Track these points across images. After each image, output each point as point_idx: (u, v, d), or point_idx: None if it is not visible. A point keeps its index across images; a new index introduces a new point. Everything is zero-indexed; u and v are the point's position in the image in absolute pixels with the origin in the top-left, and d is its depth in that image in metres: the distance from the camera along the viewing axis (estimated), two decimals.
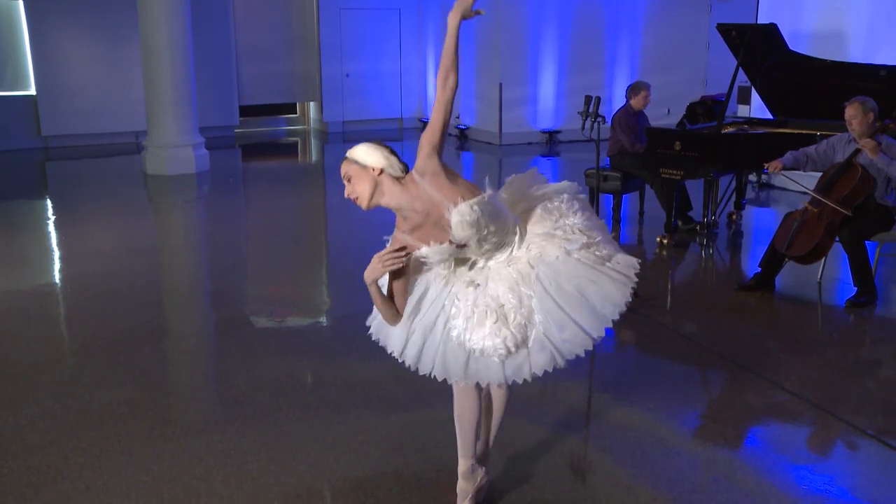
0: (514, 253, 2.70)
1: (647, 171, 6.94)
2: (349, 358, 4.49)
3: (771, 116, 7.37)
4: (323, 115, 14.79)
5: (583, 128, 6.19)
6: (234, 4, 13.75)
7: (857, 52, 8.04)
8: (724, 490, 3.15)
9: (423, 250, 2.63)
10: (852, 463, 3.54)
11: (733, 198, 7.62)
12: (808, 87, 6.84)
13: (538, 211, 2.76)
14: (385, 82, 15.03)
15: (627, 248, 2.91)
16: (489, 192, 2.60)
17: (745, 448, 3.60)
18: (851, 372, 4.44)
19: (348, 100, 14.74)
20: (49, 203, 9.41)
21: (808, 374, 4.38)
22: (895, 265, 6.10)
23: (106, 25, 12.66)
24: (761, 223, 7.98)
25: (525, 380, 2.63)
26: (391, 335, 2.81)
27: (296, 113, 15.77)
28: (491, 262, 2.71)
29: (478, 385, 2.76)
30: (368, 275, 2.65)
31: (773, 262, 5.49)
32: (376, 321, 2.90)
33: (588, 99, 6.24)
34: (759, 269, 5.56)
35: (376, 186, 2.60)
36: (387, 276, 2.73)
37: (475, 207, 2.53)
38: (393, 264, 2.62)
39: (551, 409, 3.84)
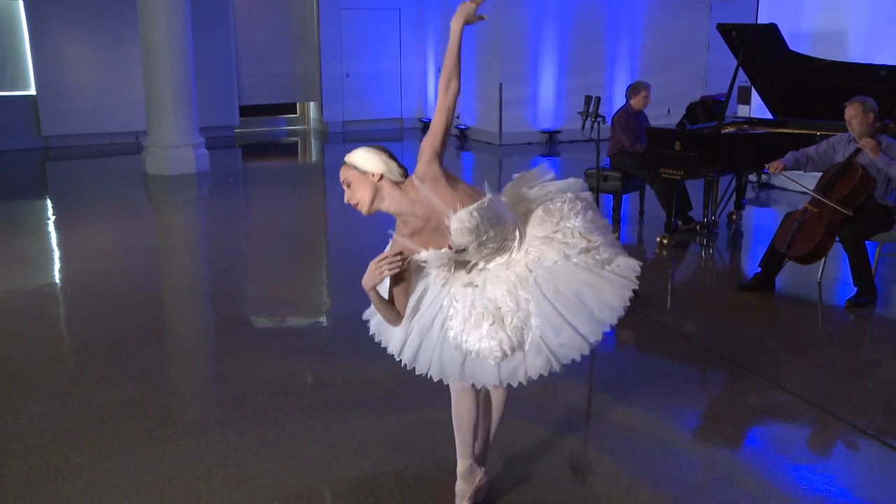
0: (513, 256, 2.70)
1: (647, 171, 6.94)
2: (349, 358, 4.50)
3: (771, 116, 7.37)
4: (323, 115, 14.79)
5: (583, 128, 6.20)
6: (234, 4, 13.75)
7: (857, 52, 8.04)
8: (724, 490, 3.15)
9: (423, 254, 2.63)
10: (852, 463, 3.54)
11: (733, 198, 7.62)
12: (808, 87, 6.84)
13: (539, 212, 2.75)
14: (385, 82, 15.03)
15: (627, 248, 2.91)
16: (489, 195, 2.59)
17: (745, 448, 3.60)
18: (851, 372, 4.44)
19: (348, 100, 14.74)
20: (49, 203, 9.41)
21: (808, 374, 4.38)
22: (895, 265, 6.10)
23: (106, 25, 12.66)
24: (761, 223, 7.98)
25: (520, 383, 2.63)
26: (391, 334, 2.81)
27: (296, 113, 15.77)
28: (490, 265, 2.71)
29: (474, 385, 2.76)
30: (366, 281, 2.65)
31: (773, 262, 5.49)
32: (375, 319, 2.90)
33: (588, 99, 6.24)
34: (759, 269, 5.56)
35: (376, 192, 2.59)
36: (386, 281, 2.73)
37: (475, 214, 2.53)
38: (390, 270, 2.62)
39: (551, 409, 3.84)
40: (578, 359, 2.59)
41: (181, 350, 4.91)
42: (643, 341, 4.87)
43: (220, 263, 6.89)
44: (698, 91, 12.58)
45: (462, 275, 2.72)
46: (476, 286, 2.66)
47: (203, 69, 12.30)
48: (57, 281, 6.23)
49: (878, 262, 5.49)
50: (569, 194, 2.81)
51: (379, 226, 3.06)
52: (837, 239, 5.24)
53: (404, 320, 2.74)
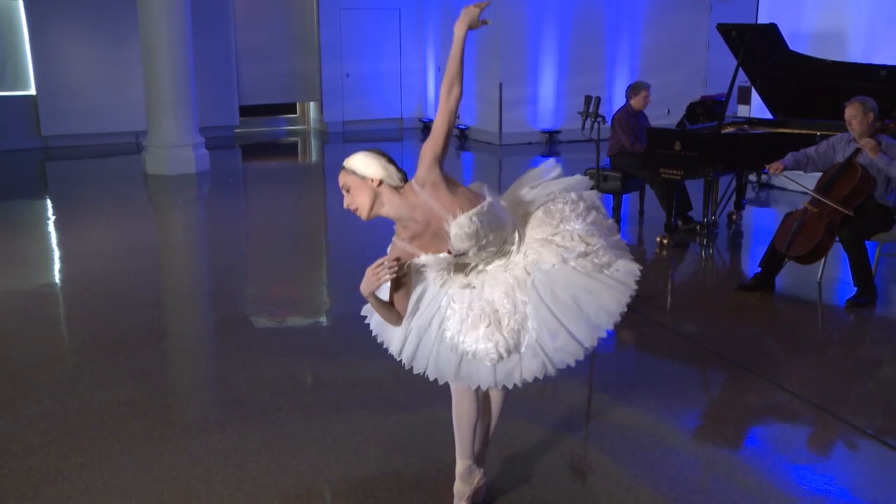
0: (512, 258, 2.69)
1: (647, 171, 6.94)
2: (349, 358, 4.50)
3: (771, 116, 7.37)
4: (323, 115, 14.79)
5: (583, 128, 6.21)
6: (234, 4, 13.75)
7: (857, 52, 8.04)
8: (724, 490, 3.15)
9: (422, 258, 2.63)
10: (852, 463, 3.54)
11: (733, 198, 7.62)
12: (808, 87, 6.84)
13: (539, 214, 2.75)
14: (385, 82, 15.03)
15: (627, 249, 2.91)
16: (489, 199, 2.58)
17: (745, 448, 3.60)
18: (851, 372, 4.44)
19: (348, 100, 14.74)
20: (49, 203, 9.41)
21: (808, 374, 4.38)
22: (895, 265, 6.10)
23: (106, 25, 12.66)
24: (761, 223, 7.98)
25: (515, 385, 2.63)
26: (392, 334, 2.81)
27: (296, 113, 15.77)
28: (489, 267, 2.71)
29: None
30: (364, 287, 2.64)
31: (773, 262, 5.49)
32: (376, 319, 2.89)
33: (588, 99, 6.26)
34: (759, 269, 5.56)
35: (376, 197, 2.57)
36: (386, 285, 2.72)
37: (474, 219, 2.52)
38: (387, 276, 2.61)
39: (551, 409, 3.84)
40: (573, 364, 2.59)
41: (181, 350, 4.91)
42: (643, 341, 4.87)
43: (220, 263, 6.89)
44: (698, 91, 12.58)
45: (460, 276, 2.72)
46: (474, 288, 2.66)
47: (203, 69, 12.30)
48: (57, 281, 6.23)
49: (878, 262, 5.49)
50: (571, 195, 2.80)
51: (379, 227, 3.06)
52: (837, 239, 5.24)
53: (404, 320, 2.74)
